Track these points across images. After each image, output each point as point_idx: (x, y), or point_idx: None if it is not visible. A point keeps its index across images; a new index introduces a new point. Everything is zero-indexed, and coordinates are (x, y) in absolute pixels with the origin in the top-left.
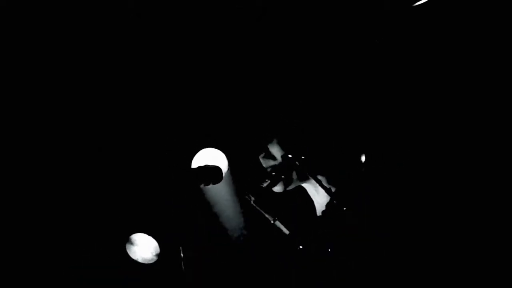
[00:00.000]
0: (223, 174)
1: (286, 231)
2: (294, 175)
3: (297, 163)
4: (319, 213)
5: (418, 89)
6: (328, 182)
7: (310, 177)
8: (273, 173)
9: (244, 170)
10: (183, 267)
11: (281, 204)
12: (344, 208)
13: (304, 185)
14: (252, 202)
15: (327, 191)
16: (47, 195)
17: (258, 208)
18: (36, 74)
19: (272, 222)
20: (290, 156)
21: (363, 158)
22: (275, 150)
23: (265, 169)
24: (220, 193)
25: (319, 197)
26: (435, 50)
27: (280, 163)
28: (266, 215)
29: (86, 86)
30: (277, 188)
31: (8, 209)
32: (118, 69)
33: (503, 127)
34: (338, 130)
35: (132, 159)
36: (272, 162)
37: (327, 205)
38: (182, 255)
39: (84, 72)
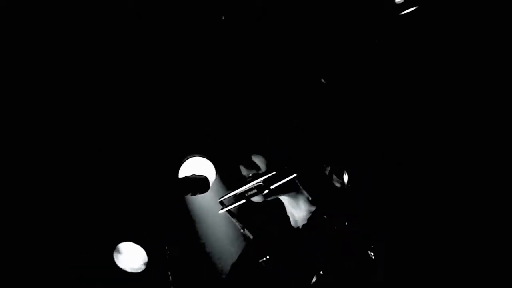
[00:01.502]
0: (210, 184)
1: (252, 240)
2: (277, 186)
3: (282, 174)
4: (296, 225)
5: (416, 91)
6: (312, 195)
7: (293, 189)
8: (254, 182)
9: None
10: (170, 276)
11: (257, 213)
12: (325, 216)
13: (285, 197)
14: (224, 208)
15: (311, 203)
16: (36, 203)
17: (229, 215)
18: (30, 74)
19: (241, 230)
20: (284, 168)
21: (345, 177)
22: (258, 160)
23: (245, 177)
24: (206, 201)
25: (298, 210)
26: (433, 51)
27: (261, 173)
28: (236, 223)
29: (67, 92)
30: (257, 199)
31: None
32: (101, 78)
33: (500, 126)
34: (326, 141)
35: (119, 169)
36: (253, 171)
37: (309, 219)
38: (170, 263)
39: (69, 80)
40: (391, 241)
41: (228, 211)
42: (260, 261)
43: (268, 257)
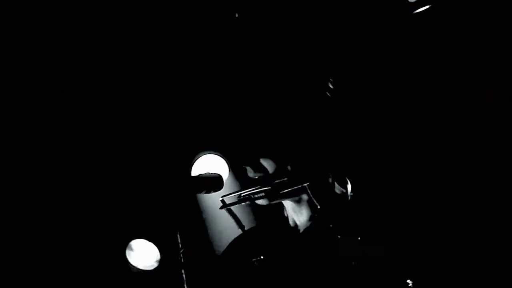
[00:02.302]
0: (224, 181)
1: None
2: (282, 191)
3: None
4: (295, 229)
5: (428, 91)
6: (320, 203)
7: (298, 195)
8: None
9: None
10: (183, 274)
11: (257, 215)
12: (330, 225)
13: (288, 201)
14: (225, 207)
15: (313, 210)
16: (47, 199)
17: (230, 214)
18: (29, 76)
19: (237, 228)
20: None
21: (349, 187)
22: (267, 163)
23: (252, 178)
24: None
25: (300, 216)
26: (431, 52)
27: (269, 176)
28: (235, 223)
29: (80, 90)
30: (261, 202)
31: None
32: (113, 77)
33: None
34: (332, 148)
35: (133, 166)
36: (260, 174)
37: (311, 225)
38: (182, 261)
39: (76, 78)
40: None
41: (228, 210)
42: (253, 260)
43: (262, 257)
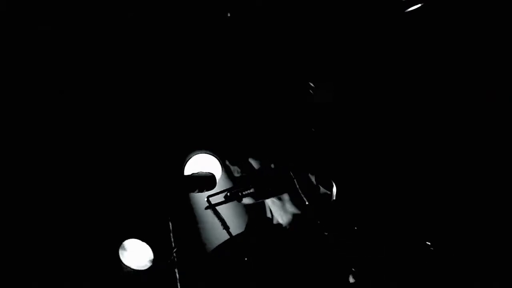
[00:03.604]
0: (217, 181)
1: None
2: (267, 190)
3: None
4: (279, 226)
5: (421, 90)
6: (307, 200)
7: (281, 193)
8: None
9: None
10: (176, 273)
11: (242, 214)
12: (318, 222)
13: (272, 200)
14: (211, 207)
15: (297, 207)
16: (39, 200)
17: (213, 212)
18: (29, 76)
19: (222, 228)
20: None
21: (334, 191)
22: (254, 162)
23: (238, 178)
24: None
25: (284, 214)
26: (439, 49)
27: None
28: (219, 221)
29: (80, 90)
30: (246, 200)
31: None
32: (110, 76)
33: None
34: (318, 147)
35: (126, 166)
36: (245, 173)
37: (295, 222)
38: (175, 260)
39: (76, 78)
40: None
41: (213, 210)
42: (241, 260)
43: (246, 258)
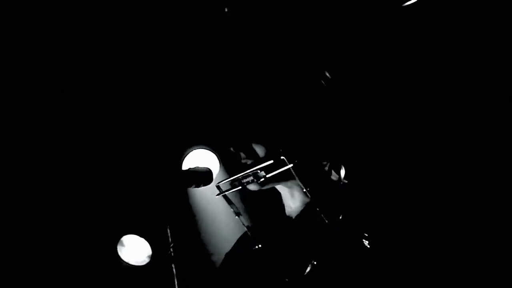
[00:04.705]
0: (214, 176)
1: (245, 228)
2: (273, 176)
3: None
4: (290, 215)
5: (419, 86)
6: (308, 187)
7: (289, 179)
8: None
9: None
10: (174, 269)
11: (251, 201)
12: (317, 209)
13: (280, 186)
14: (220, 194)
15: (305, 195)
16: (36, 196)
17: (225, 200)
18: (21, 71)
19: (235, 216)
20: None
21: (342, 172)
22: (259, 148)
23: (244, 164)
24: (209, 194)
25: (293, 201)
26: (437, 45)
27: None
28: (231, 208)
29: (79, 90)
30: (252, 187)
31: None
32: (108, 74)
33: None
34: (324, 134)
35: (123, 161)
36: (252, 160)
37: (302, 210)
38: (173, 256)
39: (76, 77)
40: (387, 236)
41: (224, 196)
42: (253, 249)
43: (260, 245)
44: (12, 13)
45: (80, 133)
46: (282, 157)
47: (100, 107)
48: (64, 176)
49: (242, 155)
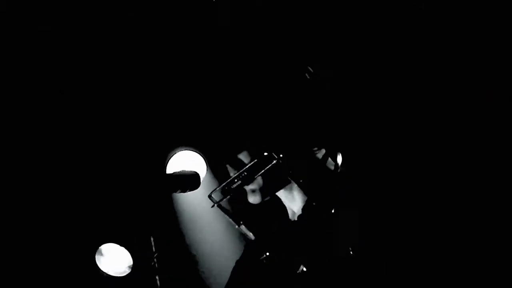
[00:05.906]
0: (201, 180)
1: (252, 237)
2: (270, 181)
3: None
4: (293, 219)
5: (416, 83)
6: (307, 184)
7: (287, 182)
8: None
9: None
10: (157, 281)
11: (250, 208)
12: (313, 203)
13: (280, 192)
14: (215, 204)
15: (306, 195)
16: (17, 204)
17: (222, 211)
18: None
19: (236, 226)
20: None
21: (339, 159)
22: (243, 156)
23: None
24: (196, 199)
25: (294, 204)
26: (435, 43)
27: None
28: (230, 219)
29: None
30: (253, 200)
31: None
32: (109, 76)
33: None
34: (315, 130)
35: (103, 164)
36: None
37: (304, 211)
38: (156, 266)
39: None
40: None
41: (220, 207)
42: (261, 258)
43: (268, 254)
44: (12, 13)
45: (67, 134)
46: (265, 153)
47: (90, 107)
48: (40, 181)
49: (230, 167)
